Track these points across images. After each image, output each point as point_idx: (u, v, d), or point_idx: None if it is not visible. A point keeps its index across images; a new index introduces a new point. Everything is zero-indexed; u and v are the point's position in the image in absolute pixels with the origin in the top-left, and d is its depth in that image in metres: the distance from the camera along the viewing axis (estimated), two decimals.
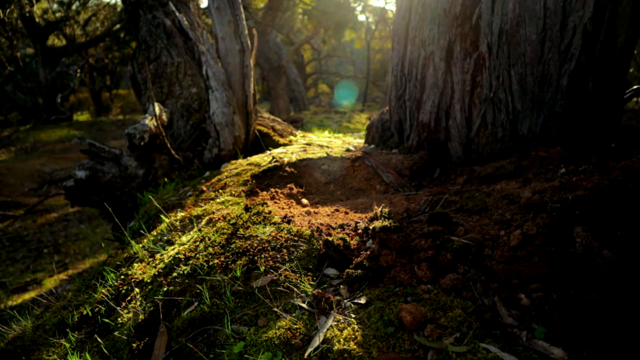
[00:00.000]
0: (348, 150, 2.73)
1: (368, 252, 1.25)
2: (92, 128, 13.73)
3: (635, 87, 2.18)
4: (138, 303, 1.31)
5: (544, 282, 1.05)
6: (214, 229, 1.55)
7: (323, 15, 13.26)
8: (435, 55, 2.06)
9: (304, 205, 1.87)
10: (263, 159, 2.52)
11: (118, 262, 1.69)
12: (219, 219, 1.64)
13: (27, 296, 4.14)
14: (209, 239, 1.48)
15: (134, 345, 1.15)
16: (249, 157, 2.75)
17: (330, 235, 1.42)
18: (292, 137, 3.65)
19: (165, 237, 1.71)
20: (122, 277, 1.50)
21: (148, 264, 1.53)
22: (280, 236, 1.44)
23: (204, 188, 2.25)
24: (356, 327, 0.99)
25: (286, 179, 2.20)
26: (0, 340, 1.47)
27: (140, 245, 1.69)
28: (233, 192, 2.02)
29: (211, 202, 1.95)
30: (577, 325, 0.90)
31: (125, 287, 1.43)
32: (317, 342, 0.97)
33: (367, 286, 1.17)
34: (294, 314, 1.09)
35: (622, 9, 1.70)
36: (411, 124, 2.31)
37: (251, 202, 1.76)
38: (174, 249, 1.52)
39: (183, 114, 3.63)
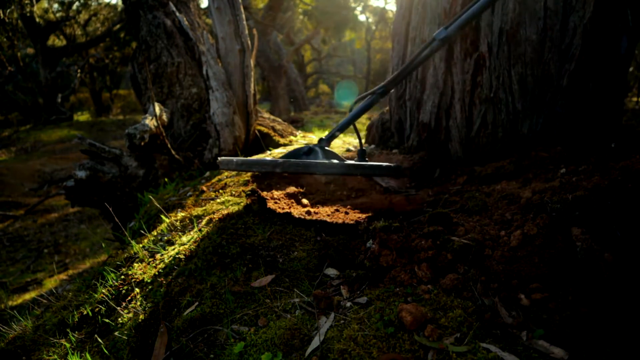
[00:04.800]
0: (348, 150, 2.73)
1: (368, 253, 1.25)
2: (93, 128, 13.73)
3: None
4: (138, 303, 1.31)
5: (544, 282, 1.05)
6: (215, 229, 1.55)
7: (323, 15, 13.26)
8: (436, 55, 2.05)
9: (304, 205, 1.87)
10: None
11: (118, 262, 1.69)
12: (220, 219, 1.64)
13: (28, 296, 4.14)
14: (210, 239, 1.48)
15: (134, 345, 1.15)
16: (249, 157, 2.75)
17: (330, 235, 1.42)
18: (292, 137, 3.65)
19: (165, 237, 1.71)
20: (123, 277, 1.50)
21: (148, 264, 1.53)
22: (281, 236, 1.44)
23: (204, 188, 2.26)
24: (356, 327, 0.99)
25: (286, 179, 2.20)
26: (0, 340, 1.47)
27: (141, 245, 1.69)
28: (233, 192, 2.02)
29: (211, 202, 1.95)
30: (578, 325, 0.90)
31: (125, 287, 1.43)
32: (317, 342, 0.97)
33: (367, 286, 1.17)
34: (294, 314, 1.09)
35: (623, 9, 1.70)
36: (411, 124, 2.31)
37: (251, 202, 1.76)
38: (174, 249, 1.52)
39: (183, 114, 3.63)
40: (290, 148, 3.01)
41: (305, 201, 1.94)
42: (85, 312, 1.38)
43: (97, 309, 1.38)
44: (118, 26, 15.59)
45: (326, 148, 1.71)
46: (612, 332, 0.87)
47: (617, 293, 0.96)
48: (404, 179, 2.14)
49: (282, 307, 1.12)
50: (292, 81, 14.39)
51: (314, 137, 3.64)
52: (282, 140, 3.45)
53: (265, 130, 3.58)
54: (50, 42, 16.57)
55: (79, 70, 16.13)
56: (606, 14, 1.68)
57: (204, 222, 1.68)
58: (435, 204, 1.57)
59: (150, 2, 3.68)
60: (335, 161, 1.48)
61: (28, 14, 12.94)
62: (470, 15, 1.50)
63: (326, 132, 3.75)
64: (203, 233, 1.55)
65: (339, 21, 13.58)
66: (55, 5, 16.16)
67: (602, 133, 1.84)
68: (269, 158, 1.50)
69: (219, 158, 1.68)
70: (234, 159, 1.55)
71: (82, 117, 17.17)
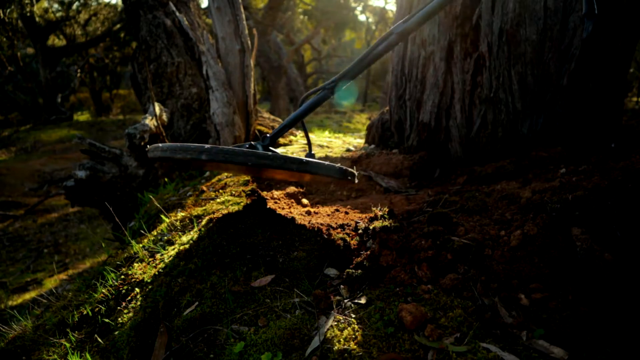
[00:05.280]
0: (348, 150, 2.73)
1: (368, 252, 1.25)
2: (93, 128, 13.73)
3: None
4: (138, 303, 1.31)
5: (544, 282, 1.05)
6: (214, 229, 1.55)
7: (323, 15, 13.26)
8: (436, 55, 2.06)
9: (304, 206, 1.87)
10: None
11: (118, 262, 1.69)
12: (219, 219, 1.64)
13: (28, 296, 4.14)
14: (210, 239, 1.48)
15: (134, 345, 1.15)
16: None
17: (330, 235, 1.42)
18: (292, 137, 3.65)
19: (165, 237, 1.71)
20: (123, 277, 1.50)
21: (148, 263, 1.53)
22: (281, 236, 1.43)
23: (204, 188, 2.26)
24: (356, 327, 0.99)
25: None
26: (0, 340, 1.47)
27: (141, 245, 1.69)
28: (233, 192, 2.02)
29: (211, 202, 1.95)
30: (578, 325, 0.90)
31: (125, 287, 1.43)
32: (317, 342, 0.97)
33: (367, 286, 1.17)
34: (294, 314, 1.09)
35: (623, 9, 1.70)
36: (411, 124, 2.31)
37: (251, 202, 1.76)
38: (174, 249, 1.52)
39: (183, 114, 3.63)
40: (290, 148, 3.02)
41: (305, 201, 1.94)
42: (85, 312, 1.38)
43: (97, 309, 1.38)
44: (118, 26, 15.60)
45: (270, 148, 1.60)
46: (612, 332, 0.87)
47: (616, 293, 0.96)
48: (404, 179, 2.15)
49: (282, 307, 1.12)
50: (292, 81, 14.38)
51: (314, 137, 3.64)
52: (282, 140, 3.45)
53: (265, 130, 3.58)
54: (50, 42, 16.56)
55: (79, 70, 16.14)
56: (606, 14, 1.68)
57: (204, 222, 1.68)
58: (435, 204, 1.58)
59: (150, 2, 3.68)
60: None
61: (28, 14, 12.94)
62: (430, 10, 1.45)
63: (326, 132, 3.73)
64: (203, 233, 1.55)
65: (339, 21, 13.59)
66: (55, 5, 16.17)
67: (602, 133, 1.84)
68: (195, 144, 1.40)
69: (147, 146, 1.54)
70: (160, 145, 1.44)
71: (82, 117, 17.16)
